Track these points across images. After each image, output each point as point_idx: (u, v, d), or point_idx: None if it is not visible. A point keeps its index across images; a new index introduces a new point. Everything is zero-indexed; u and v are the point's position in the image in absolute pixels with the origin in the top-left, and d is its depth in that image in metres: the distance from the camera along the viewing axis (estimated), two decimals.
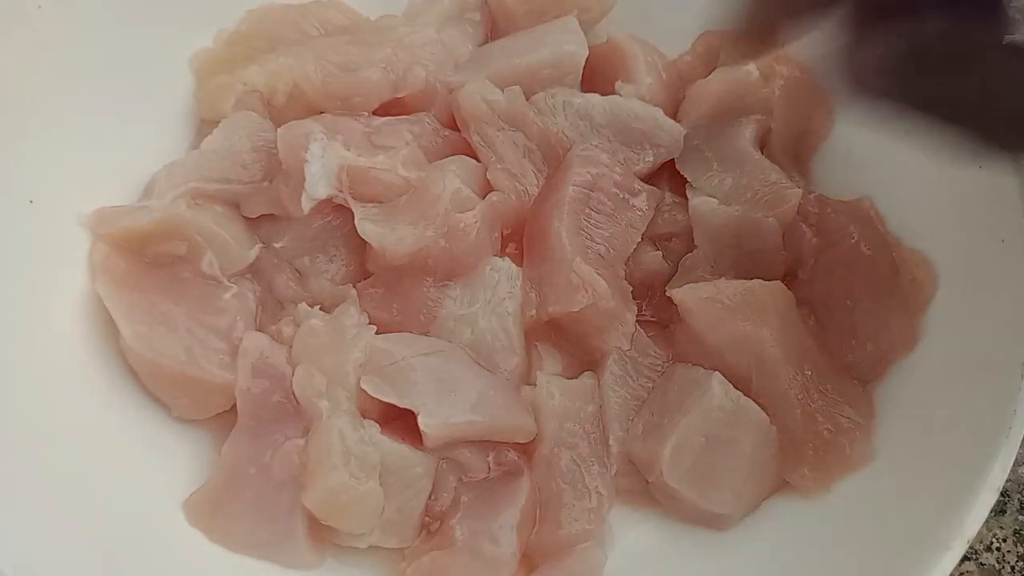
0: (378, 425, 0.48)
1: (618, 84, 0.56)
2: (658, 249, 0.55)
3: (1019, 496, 0.57)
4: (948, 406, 0.46)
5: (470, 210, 0.52)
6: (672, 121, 0.55)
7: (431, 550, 0.47)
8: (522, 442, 0.50)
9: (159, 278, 0.50)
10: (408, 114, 0.56)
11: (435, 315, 0.52)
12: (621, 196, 0.53)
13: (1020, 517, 0.56)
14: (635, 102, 0.55)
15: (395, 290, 0.52)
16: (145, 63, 0.54)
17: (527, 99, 0.55)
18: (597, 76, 0.58)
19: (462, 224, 0.51)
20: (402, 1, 0.61)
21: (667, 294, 0.51)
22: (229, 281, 0.51)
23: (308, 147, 0.50)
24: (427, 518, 0.49)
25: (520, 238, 0.55)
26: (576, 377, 0.52)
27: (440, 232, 0.51)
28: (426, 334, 0.52)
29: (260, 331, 0.51)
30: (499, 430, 0.50)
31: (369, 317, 0.51)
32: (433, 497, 0.49)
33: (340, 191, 0.51)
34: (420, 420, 0.47)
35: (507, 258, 0.53)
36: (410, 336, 0.51)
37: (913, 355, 0.50)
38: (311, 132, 0.51)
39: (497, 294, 0.52)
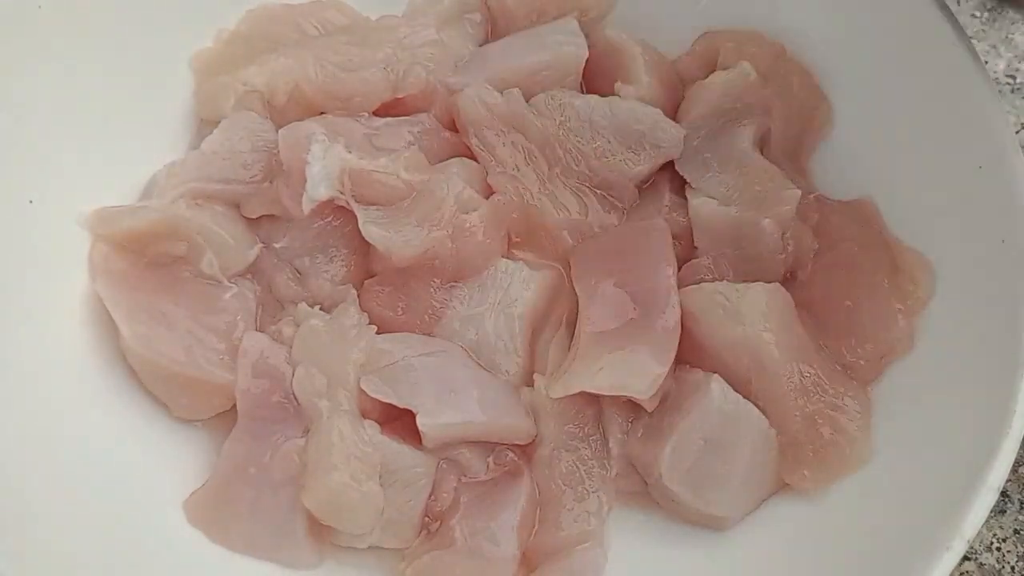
0: (378, 425, 0.48)
1: (617, 85, 0.56)
2: None
3: (1019, 496, 0.57)
4: (948, 406, 0.46)
5: (475, 211, 0.52)
6: (672, 122, 0.55)
7: (431, 550, 0.47)
8: (522, 443, 0.50)
9: (159, 278, 0.50)
10: (408, 114, 0.56)
11: (441, 315, 0.52)
12: None
13: (1020, 517, 0.56)
14: (635, 103, 0.55)
15: (402, 289, 0.52)
16: (145, 63, 0.54)
17: (527, 100, 0.55)
18: (597, 77, 0.58)
19: (468, 224, 0.51)
20: (402, 1, 0.61)
21: None
22: (229, 281, 0.52)
23: (309, 148, 0.50)
24: (427, 518, 0.49)
25: (531, 243, 0.55)
26: None
27: (446, 233, 0.51)
28: (430, 334, 0.52)
29: (260, 331, 0.51)
30: (498, 431, 0.50)
31: (374, 315, 0.51)
32: (433, 497, 0.49)
33: (342, 193, 0.51)
34: (419, 420, 0.47)
35: (520, 261, 0.53)
36: (410, 336, 0.51)
37: (912, 355, 0.50)
38: (312, 133, 0.51)
39: (508, 296, 0.52)
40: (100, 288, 0.49)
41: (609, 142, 0.55)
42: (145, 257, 0.51)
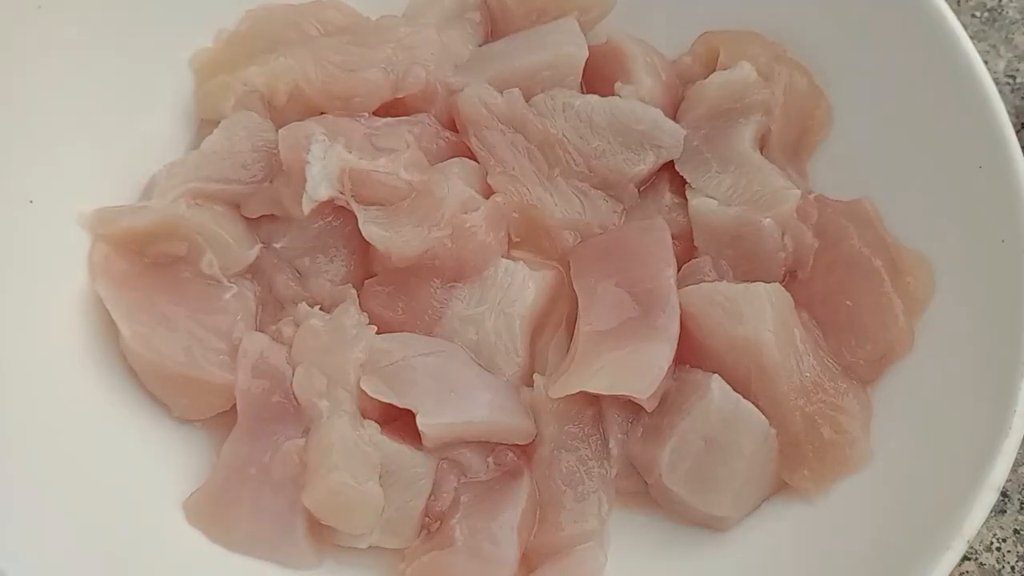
0: (378, 425, 0.48)
1: (618, 85, 0.56)
2: None
3: (1019, 496, 0.57)
4: (948, 406, 0.46)
5: (475, 211, 0.52)
6: (672, 122, 0.55)
7: (431, 550, 0.47)
8: (522, 443, 0.50)
9: (159, 278, 0.50)
10: (408, 114, 0.56)
11: (441, 315, 0.52)
12: None
13: (1020, 517, 0.56)
14: (635, 103, 0.55)
15: (402, 289, 0.52)
16: (145, 63, 0.54)
17: (527, 100, 0.55)
18: (597, 77, 0.58)
19: (468, 225, 0.51)
20: (402, 1, 0.61)
21: None
22: (229, 281, 0.52)
23: (309, 148, 0.50)
24: (427, 518, 0.49)
25: (531, 243, 0.55)
26: None
27: (446, 233, 0.51)
28: (430, 334, 0.52)
29: (260, 331, 0.51)
30: (498, 431, 0.50)
31: (374, 315, 0.51)
32: (433, 497, 0.49)
33: (342, 193, 0.51)
34: (418, 420, 0.47)
35: (520, 261, 0.53)
36: (410, 336, 0.51)
37: (913, 355, 0.50)
38: (312, 133, 0.51)
39: (508, 295, 0.52)
40: (100, 288, 0.49)
41: (609, 142, 0.55)
42: (145, 257, 0.51)
